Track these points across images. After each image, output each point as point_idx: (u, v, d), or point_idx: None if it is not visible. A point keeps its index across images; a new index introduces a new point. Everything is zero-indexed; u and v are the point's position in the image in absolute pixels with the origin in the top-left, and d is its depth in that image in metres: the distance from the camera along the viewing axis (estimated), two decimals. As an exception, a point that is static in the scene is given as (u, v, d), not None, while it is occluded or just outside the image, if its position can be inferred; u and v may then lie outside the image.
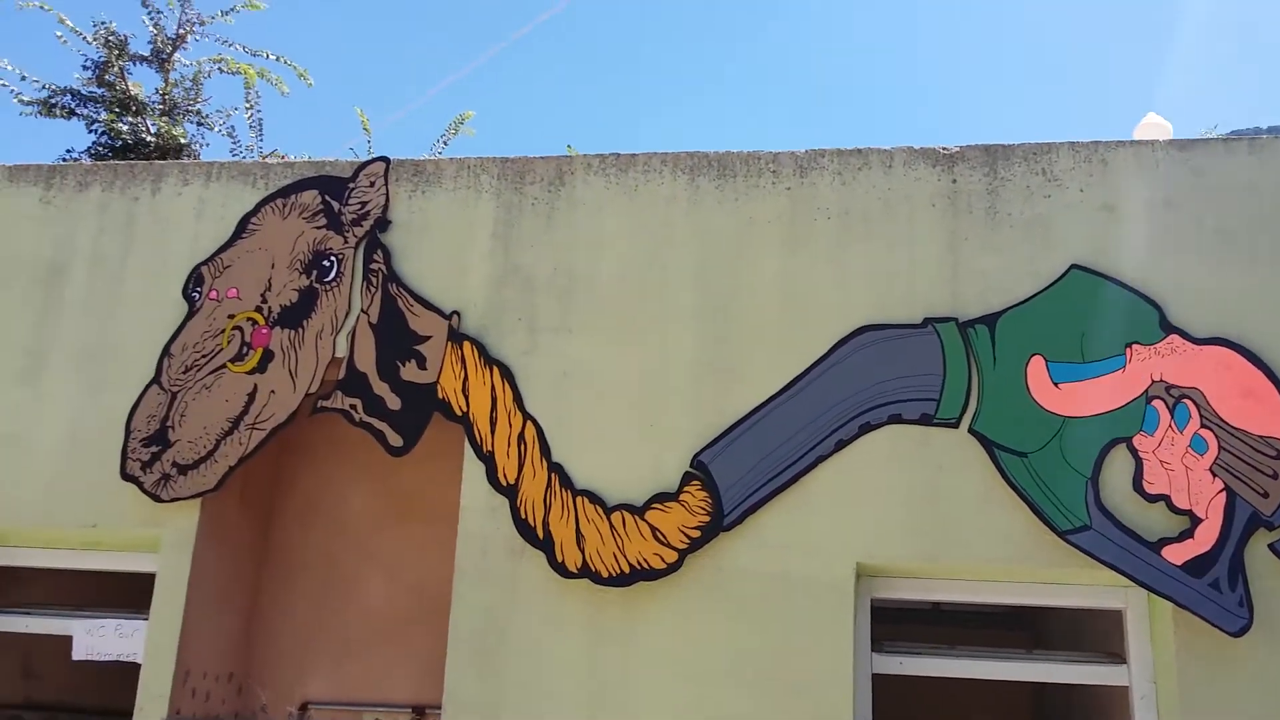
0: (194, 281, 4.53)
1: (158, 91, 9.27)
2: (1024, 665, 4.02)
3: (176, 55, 9.31)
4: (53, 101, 8.92)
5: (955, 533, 3.82)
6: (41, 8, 9.22)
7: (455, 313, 4.31)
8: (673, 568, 3.88)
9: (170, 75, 9.27)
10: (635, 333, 4.20)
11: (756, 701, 3.77)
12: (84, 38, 9.09)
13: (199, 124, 9.37)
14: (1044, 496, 3.75)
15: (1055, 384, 3.86)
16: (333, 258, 4.46)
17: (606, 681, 3.86)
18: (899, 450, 3.90)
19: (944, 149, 4.25)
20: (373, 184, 4.55)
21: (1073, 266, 4.01)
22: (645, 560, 3.90)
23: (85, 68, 9.01)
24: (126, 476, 4.28)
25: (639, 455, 4.06)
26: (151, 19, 9.09)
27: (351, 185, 4.55)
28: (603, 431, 4.11)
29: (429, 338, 4.31)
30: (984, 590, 3.97)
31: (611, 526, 3.96)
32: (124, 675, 4.49)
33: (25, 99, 8.87)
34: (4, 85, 8.85)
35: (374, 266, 4.43)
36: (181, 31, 9.26)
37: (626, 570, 3.90)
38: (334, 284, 4.43)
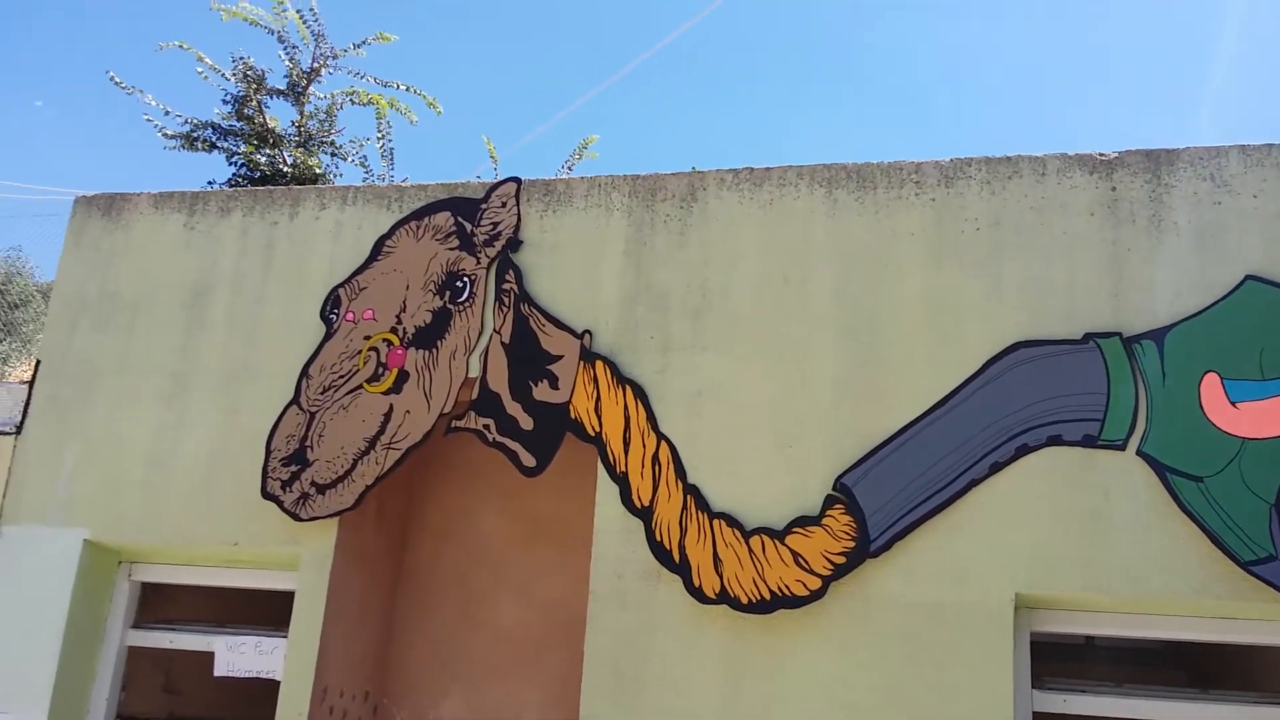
0: (331, 303, 4.58)
1: (293, 124, 9.56)
2: (1202, 706, 3.72)
3: (311, 89, 9.58)
4: (194, 135, 9.26)
5: (1123, 562, 3.57)
6: (181, 46, 9.59)
7: (587, 331, 4.25)
8: (816, 595, 3.72)
9: (305, 108, 9.54)
10: (772, 351, 4.07)
11: (907, 738, 3.57)
12: (223, 74, 9.43)
13: (333, 154, 9.62)
14: (1223, 524, 3.47)
15: (1233, 403, 3.58)
16: (465, 278, 4.45)
17: (748, 713, 3.72)
18: (1060, 473, 3.67)
19: (1101, 155, 4.02)
20: (504, 204, 4.54)
21: (1247, 277, 3.73)
22: (787, 587, 3.75)
23: (225, 102, 9.35)
24: (267, 495, 4.34)
25: (778, 477, 3.92)
26: (287, 54, 9.38)
27: (484, 206, 4.55)
28: (739, 452, 3.99)
29: (561, 357, 4.26)
30: (1154, 625, 3.71)
31: (750, 551, 3.83)
32: (262, 692, 4.54)
33: (169, 133, 9.23)
34: (149, 120, 9.23)
35: (506, 286, 4.41)
36: (316, 65, 9.52)
37: (767, 597, 3.75)
38: (467, 304, 4.42)
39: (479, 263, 4.48)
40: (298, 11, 9.34)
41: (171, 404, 4.67)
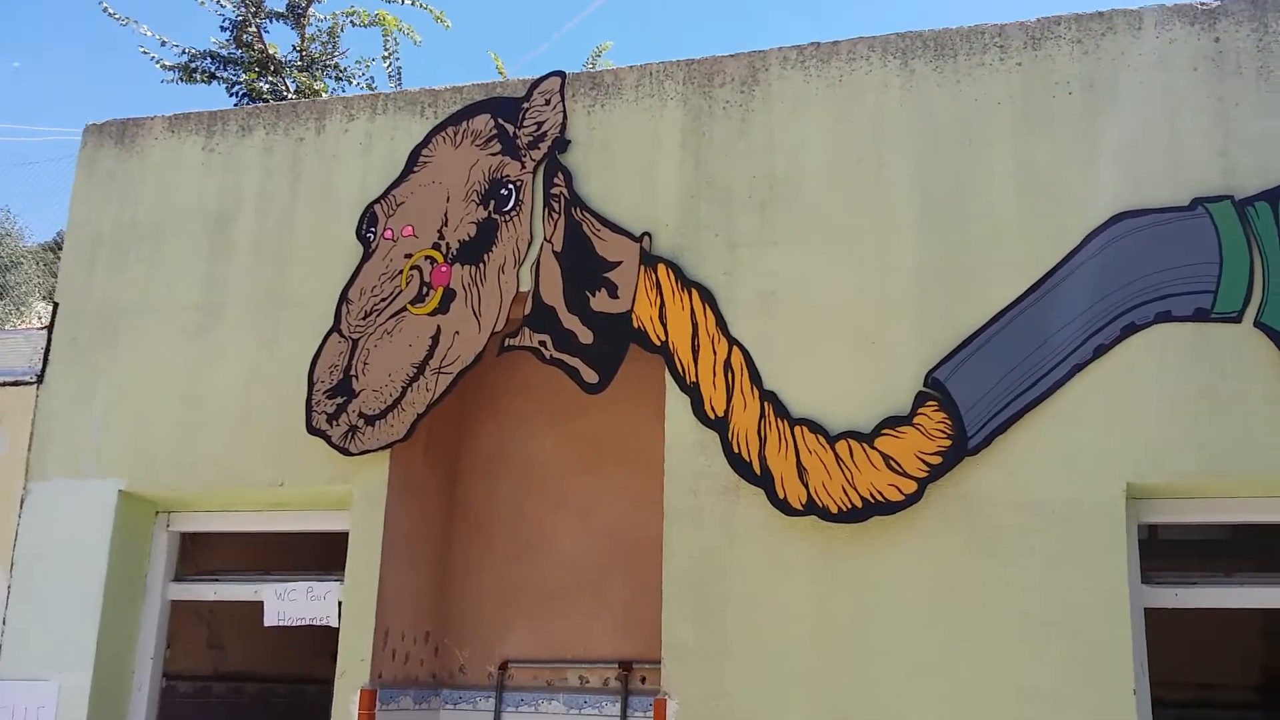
0: (367, 221, 4.63)
1: (294, 48, 9.60)
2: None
3: (311, 9, 9.60)
4: (193, 66, 9.34)
5: (1244, 443, 3.58)
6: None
7: (646, 234, 4.28)
8: (912, 499, 3.76)
9: (306, 30, 9.57)
10: (849, 241, 4.09)
11: (1015, 644, 3.63)
12: (217, 1, 9.48)
13: (338, 78, 9.68)
14: (1356, 395, 3.47)
15: (1362, 264, 3.57)
16: (510, 185, 4.49)
17: (842, 627, 3.79)
18: (1171, 352, 3.68)
19: (1202, 3, 3.97)
20: (548, 102, 4.56)
21: (1373, 127, 3.69)
22: (879, 492, 3.80)
23: (223, 29, 9.39)
24: (313, 430, 4.43)
25: (862, 377, 3.96)
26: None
27: (525, 105, 4.57)
28: (818, 353, 4.02)
29: (619, 263, 4.30)
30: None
31: (838, 457, 3.87)
32: (307, 642, 4.67)
33: (166, 64, 9.31)
34: (144, 53, 9.31)
35: (555, 191, 4.44)
36: (315, -18, 9.53)
37: (859, 504, 3.80)
38: (513, 213, 4.46)
39: (524, 167, 4.51)
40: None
41: (201, 339, 4.77)
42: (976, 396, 3.79)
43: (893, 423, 3.85)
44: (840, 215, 4.12)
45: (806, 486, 3.88)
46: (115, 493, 4.69)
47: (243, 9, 9.26)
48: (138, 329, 4.85)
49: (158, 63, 9.27)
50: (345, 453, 4.39)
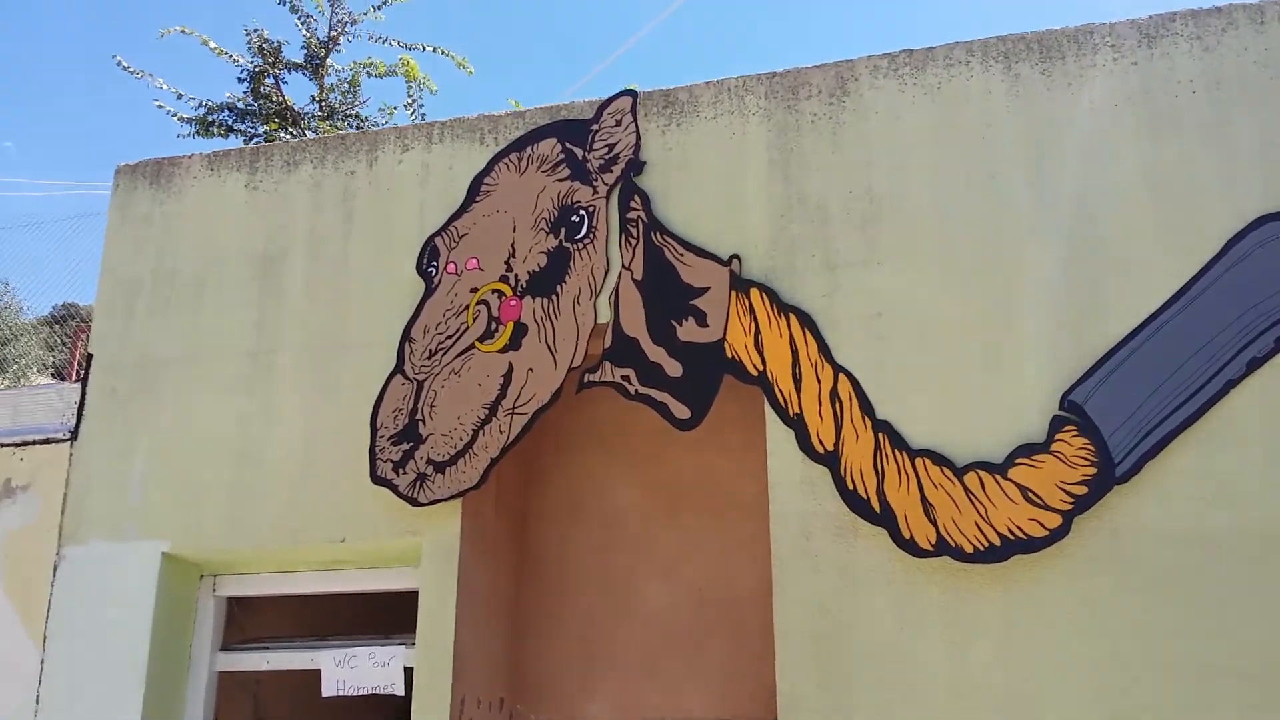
0: (428, 255, 4.23)
1: (313, 99, 9.26)
2: None
3: (330, 60, 9.28)
4: (210, 119, 8.98)
5: None
6: (183, 31, 9.31)
7: (735, 257, 3.89)
8: (1057, 534, 3.34)
9: (325, 80, 9.23)
10: (963, 257, 3.70)
11: (1184, 695, 3.18)
12: (229, 57, 9.15)
13: (359, 127, 9.30)
14: None
15: None
16: (582, 211, 4.10)
17: (982, 679, 3.34)
18: (1337, 364, 3.28)
19: (1329, -6, 3.62)
20: (619, 122, 4.18)
21: None
22: (1019, 528, 3.37)
23: (240, 80, 9.05)
24: (378, 480, 3.99)
25: (986, 402, 3.55)
26: (302, 23, 9.07)
27: (594, 127, 4.20)
28: (936, 378, 3.61)
29: (706, 289, 3.90)
30: None
31: (967, 491, 3.45)
32: (364, 708, 4.21)
33: (183, 117, 8.95)
34: (160, 106, 8.95)
35: (631, 215, 4.05)
36: (334, 34, 9.22)
37: (996, 542, 3.37)
38: (587, 240, 4.07)
39: (596, 192, 4.12)
40: (310, -26, 9.04)
41: (253, 389, 4.34)
42: (1120, 419, 3.38)
43: (1027, 451, 3.44)
44: (950, 230, 3.73)
45: (935, 524, 3.45)
46: (159, 555, 4.23)
47: (259, 60, 8.92)
48: (182, 380, 4.42)
49: (174, 116, 8.92)
50: (414, 503, 3.95)
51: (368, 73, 9.41)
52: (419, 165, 4.41)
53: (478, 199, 4.27)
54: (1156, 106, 3.65)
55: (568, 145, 4.21)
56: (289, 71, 9.13)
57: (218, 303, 4.49)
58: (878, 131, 3.90)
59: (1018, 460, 3.44)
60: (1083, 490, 3.35)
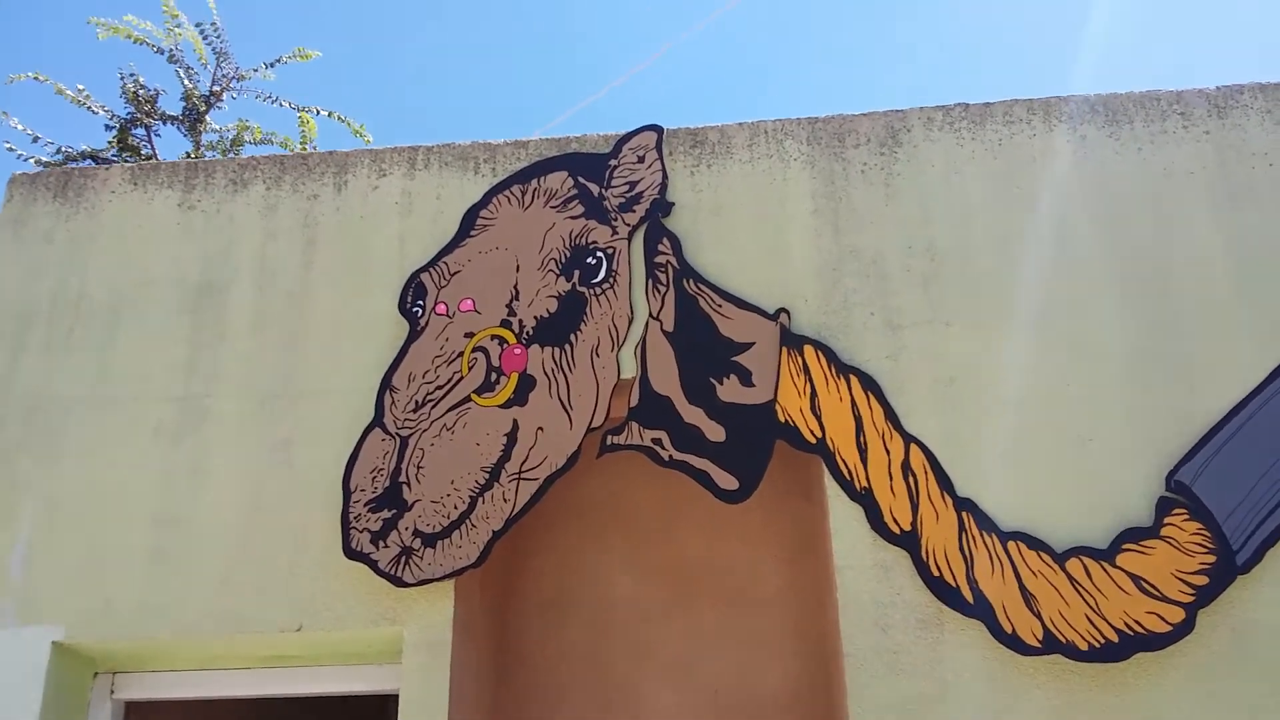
0: (413, 293, 3.46)
1: (187, 155, 8.21)
2: None
3: (209, 117, 8.29)
4: (70, 167, 7.79)
5: None
6: (36, 78, 8.18)
7: (783, 310, 3.30)
8: (1182, 630, 2.82)
9: (202, 137, 8.23)
10: (1039, 322, 3.23)
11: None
12: (88, 108, 8.06)
13: (238, 190, 8.29)
14: None
15: None
16: (600, 253, 3.44)
17: (1098, 801, 2.75)
18: None
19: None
20: (642, 159, 3.57)
21: None
22: (1137, 622, 2.83)
23: (108, 127, 7.94)
24: (353, 554, 3.12)
25: (1078, 480, 3.04)
26: (185, 74, 8.08)
27: (613, 163, 3.57)
28: (1020, 453, 3.09)
29: (750, 345, 3.28)
30: None
31: (1072, 579, 2.91)
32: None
33: (41, 160, 7.75)
34: (10, 149, 7.74)
35: (660, 260, 3.42)
36: (217, 89, 8.26)
37: (1113, 638, 2.82)
38: (606, 285, 3.40)
39: (616, 233, 3.47)
40: (197, 26, 8.10)
41: (179, 440, 3.40)
42: (1233, 502, 2.93)
43: (1135, 535, 2.93)
44: (1023, 293, 3.26)
45: (1039, 617, 2.87)
46: (47, 646, 3.18)
47: (134, 106, 7.86)
48: (86, 427, 3.44)
49: (29, 160, 7.71)
50: (398, 583, 3.10)
51: (248, 138, 8.49)
52: (398, 192, 3.65)
53: (472, 233, 3.54)
54: (1233, 178, 3.32)
55: (581, 180, 3.56)
56: (163, 124, 8.10)
57: (138, 337, 3.55)
58: (935, 185, 3.43)
59: (1125, 546, 2.92)
60: (1203, 580, 2.85)
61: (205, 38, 8.16)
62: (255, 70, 8.27)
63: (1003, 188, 3.40)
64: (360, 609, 3.13)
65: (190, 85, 8.10)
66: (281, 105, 8.35)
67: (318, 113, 8.32)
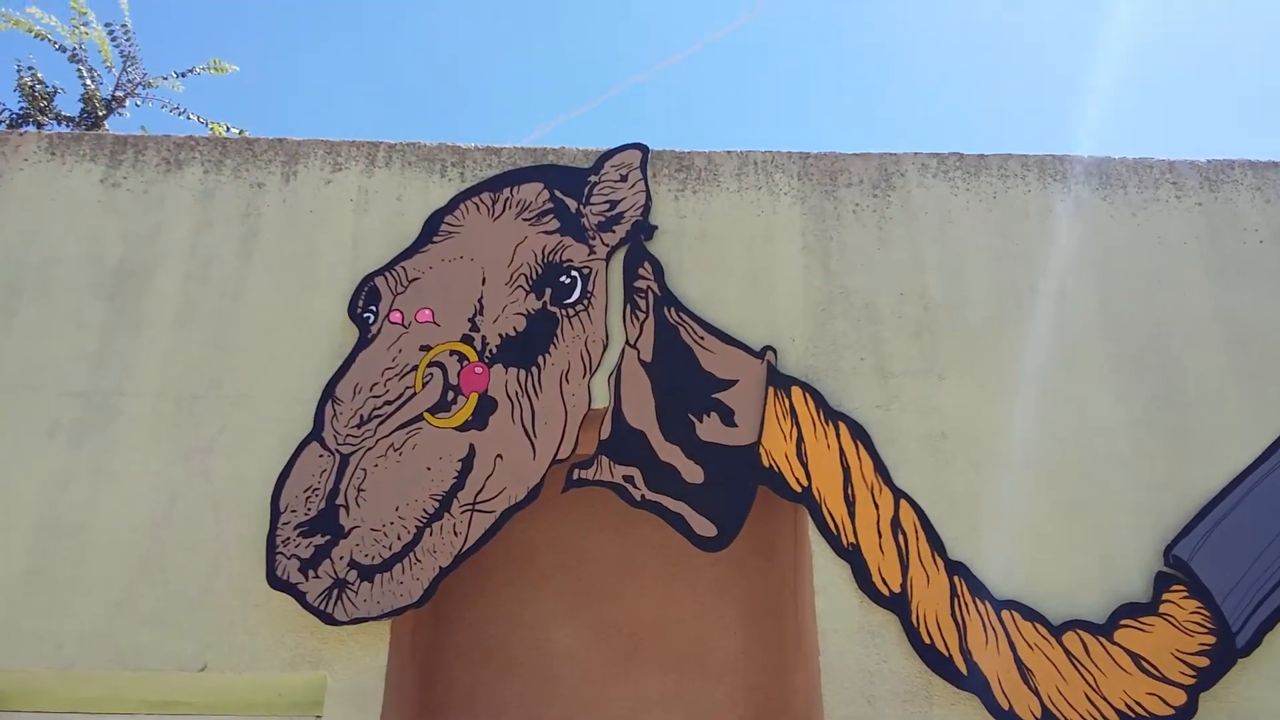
0: (366, 297, 3.10)
1: (82, 159, 7.60)
2: None
3: (106, 123, 7.71)
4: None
5: None
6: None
7: (769, 348, 3.05)
8: (1184, 714, 2.62)
9: (100, 142, 7.63)
10: (1035, 383, 3.06)
11: None
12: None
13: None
14: None
15: None
16: (574, 273, 3.14)
17: None
18: None
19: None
20: (624, 178, 3.31)
21: None
22: (1137, 703, 2.63)
23: (-3, 120, 7.30)
24: (278, 584, 2.70)
25: (1073, 549, 2.85)
26: (88, 74, 7.51)
27: (593, 179, 3.30)
28: (1016, 517, 2.89)
29: (733, 382, 3.02)
30: None
31: (1069, 654, 2.69)
32: None
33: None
34: (-112, 130, 7.01)
35: (640, 285, 3.14)
36: (119, 94, 7.70)
37: (1114, 719, 2.60)
38: (580, 307, 3.10)
39: (593, 252, 3.18)
40: (107, 26, 7.57)
41: (80, 440, 2.93)
42: (1231, 581, 2.77)
43: (1133, 611, 2.74)
44: (1017, 349, 3.09)
45: (1036, 693, 2.64)
46: (-106, 674, 2.65)
47: (29, 101, 7.25)
48: (-34, 418, 2.94)
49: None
50: (328, 620, 2.68)
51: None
52: (354, 189, 3.30)
53: (435, 239, 3.20)
54: (1225, 251, 3.25)
55: (558, 194, 3.27)
56: (57, 123, 7.49)
57: (40, 321, 3.08)
58: (929, 232, 3.26)
59: (1123, 622, 2.73)
60: (1204, 662, 2.68)
61: (114, 39, 7.63)
62: (165, 78, 7.76)
63: (997, 242, 3.25)
64: (278, 648, 2.70)
65: (92, 87, 7.52)
66: (189, 118, 7.84)
67: (228, 129, 7.83)
